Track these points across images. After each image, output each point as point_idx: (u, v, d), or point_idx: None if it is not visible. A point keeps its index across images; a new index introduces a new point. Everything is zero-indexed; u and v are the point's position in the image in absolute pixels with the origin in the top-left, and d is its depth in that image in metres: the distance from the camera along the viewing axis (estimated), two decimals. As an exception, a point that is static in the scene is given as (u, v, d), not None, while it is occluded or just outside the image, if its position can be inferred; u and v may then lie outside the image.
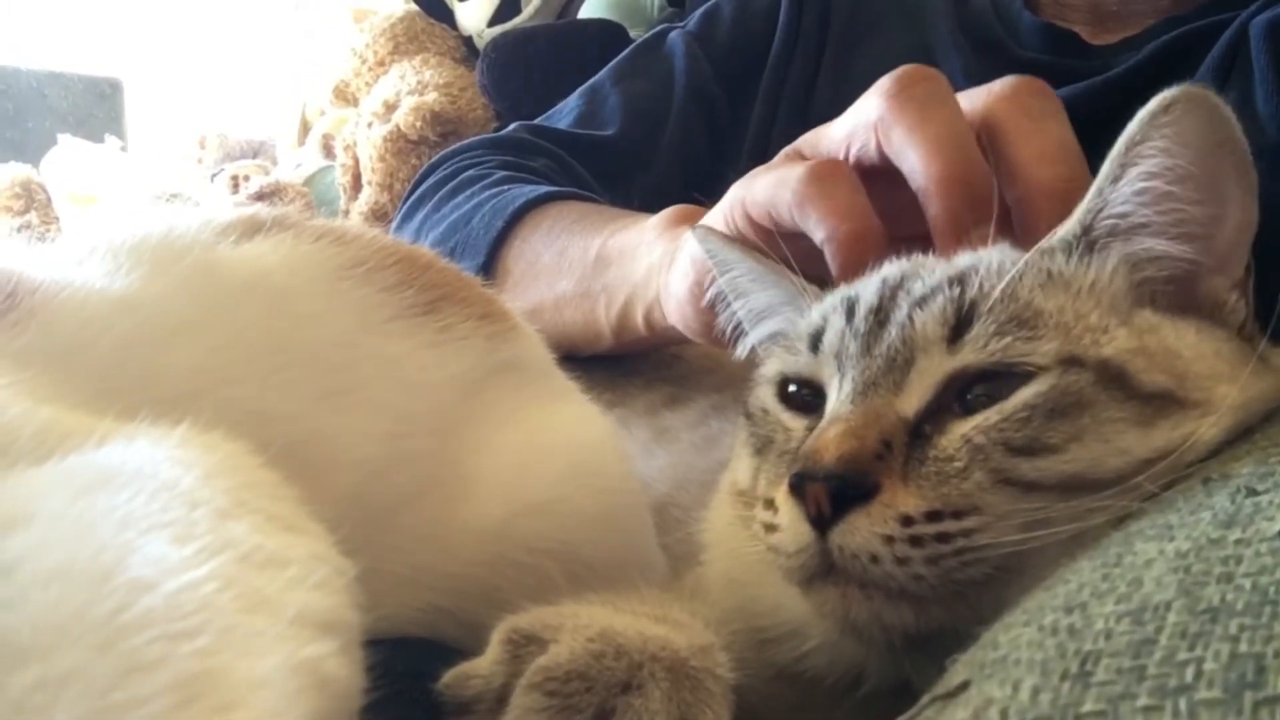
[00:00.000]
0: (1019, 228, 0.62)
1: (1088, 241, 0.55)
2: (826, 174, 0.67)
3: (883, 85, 0.67)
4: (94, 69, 3.88)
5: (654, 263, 0.86)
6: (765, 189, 0.70)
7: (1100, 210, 0.55)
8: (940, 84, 0.67)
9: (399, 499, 0.58)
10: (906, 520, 0.48)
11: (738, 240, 0.69)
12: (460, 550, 0.59)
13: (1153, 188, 0.53)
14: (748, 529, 0.57)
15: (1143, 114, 0.53)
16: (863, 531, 0.48)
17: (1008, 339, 0.51)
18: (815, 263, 0.65)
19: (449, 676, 0.49)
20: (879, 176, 0.66)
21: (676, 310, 0.80)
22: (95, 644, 0.30)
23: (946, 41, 1.15)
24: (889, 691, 0.52)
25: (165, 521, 0.35)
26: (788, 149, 0.76)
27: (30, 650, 0.30)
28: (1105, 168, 0.55)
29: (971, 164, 0.62)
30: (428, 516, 0.59)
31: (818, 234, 0.65)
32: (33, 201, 2.90)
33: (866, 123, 0.67)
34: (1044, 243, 0.55)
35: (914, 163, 0.63)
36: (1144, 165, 0.53)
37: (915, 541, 0.48)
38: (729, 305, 0.69)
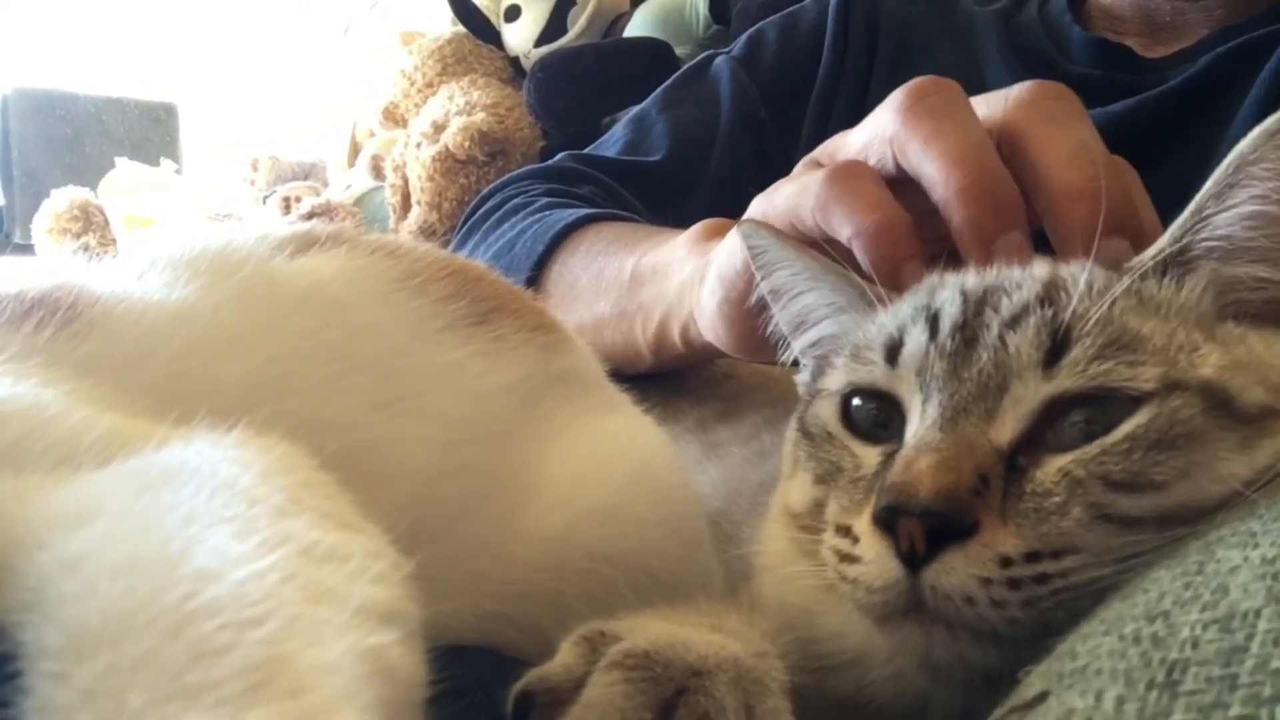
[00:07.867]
0: (1051, 235, 0.61)
1: (1180, 261, 0.52)
2: (847, 174, 0.65)
3: (896, 99, 0.66)
4: (150, 94, 3.97)
5: (686, 279, 0.86)
6: (786, 197, 0.69)
7: (1199, 229, 0.52)
8: (954, 93, 0.65)
9: (457, 506, 0.58)
10: (1005, 561, 0.46)
11: (788, 236, 0.66)
12: (521, 557, 0.59)
13: (1265, 212, 0.50)
14: (806, 553, 0.55)
15: (1258, 131, 0.50)
16: (959, 572, 0.46)
17: (1109, 363, 0.48)
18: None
19: (527, 678, 0.48)
20: (898, 186, 0.65)
21: (710, 326, 0.80)
22: (165, 630, 0.30)
23: (996, 60, 1.14)
24: (955, 719, 0.50)
25: (226, 517, 0.35)
26: (806, 158, 0.75)
27: (100, 639, 0.30)
28: (1209, 185, 0.51)
29: (991, 172, 0.61)
30: (486, 523, 0.59)
31: (844, 232, 0.63)
32: (90, 224, 2.97)
33: (882, 137, 0.66)
34: (1135, 261, 0.53)
35: (933, 175, 0.62)
36: (1257, 187, 0.50)
37: (1013, 584, 0.46)
38: (769, 311, 0.67)
